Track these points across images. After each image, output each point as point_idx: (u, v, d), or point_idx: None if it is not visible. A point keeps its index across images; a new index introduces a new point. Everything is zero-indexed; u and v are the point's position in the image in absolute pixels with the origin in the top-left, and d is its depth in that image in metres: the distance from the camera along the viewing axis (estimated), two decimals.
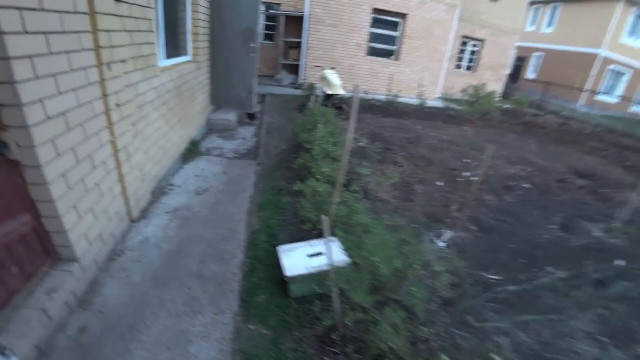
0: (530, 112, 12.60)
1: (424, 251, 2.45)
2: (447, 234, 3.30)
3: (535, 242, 3.67)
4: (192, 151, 4.59)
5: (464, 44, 14.39)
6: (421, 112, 9.97)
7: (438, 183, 4.55)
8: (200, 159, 4.53)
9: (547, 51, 22.01)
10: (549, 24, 22.20)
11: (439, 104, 12.07)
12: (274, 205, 3.61)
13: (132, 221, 2.98)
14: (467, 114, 10.57)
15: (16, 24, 1.53)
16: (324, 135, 4.17)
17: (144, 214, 3.14)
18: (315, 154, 3.82)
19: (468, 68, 15.02)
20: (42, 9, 1.68)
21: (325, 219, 1.91)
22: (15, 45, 1.54)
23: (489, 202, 4.39)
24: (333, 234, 2.60)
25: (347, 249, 2.41)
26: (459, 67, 14.80)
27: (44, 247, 2.09)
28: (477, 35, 14.09)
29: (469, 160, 5.79)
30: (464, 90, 12.38)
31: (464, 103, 11.71)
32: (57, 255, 2.17)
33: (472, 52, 14.78)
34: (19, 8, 1.53)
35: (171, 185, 3.73)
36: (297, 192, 3.33)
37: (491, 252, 3.34)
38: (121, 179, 2.72)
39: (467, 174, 3.17)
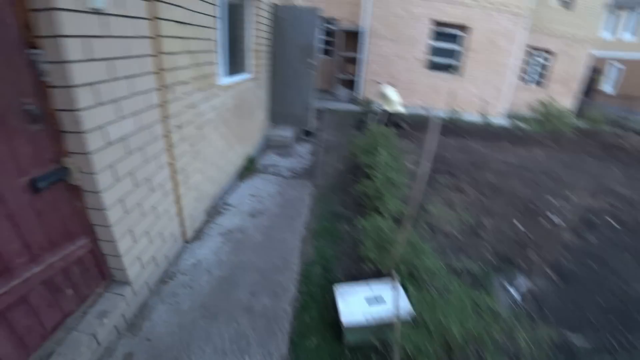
0: (608, 132, 11.32)
1: (501, 311, 2.10)
2: (522, 282, 2.87)
3: (629, 296, 3.09)
4: (249, 168, 4.56)
5: (531, 55, 13.33)
6: (485, 131, 9.32)
7: (515, 223, 4.03)
8: (256, 177, 4.49)
9: (629, 62, 19.90)
10: (631, 31, 20.09)
11: (503, 121, 11.24)
12: (330, 233, 3.41)
13: (186, 242, 2.94)
14: (536, 133, 9.69)
15: (82, 52, 1.50)
16: (386, 161, 3.91)
17: (198, 234, 3.10)
18: (377, 182, 3.56)
19: (536, 82, 13.88)
20: (110, 36, 1.65)
21: (395, 274, 1.67)
22: (80, 74, 1.51)
23: (568, 243, 3.84)
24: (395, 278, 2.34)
25: (413, 299, 2.14)
26: (525, 81, 13.73)
27: (99, 270, 2.08)
28: (547, 46, 12.96)
29: (548, 197, 5.14)
30: (531, 107, 11.44)
31: (532, 121, 10.76)
32: (111, 277, 2.15)
33: (541, 65, 13.64)
34: (85, 36, 1.50)
35: (226, 204, 3.68)
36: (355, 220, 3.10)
37: (575, 308, 2.84)
38: (178, 200, 2.69)
39: (556, 219, 2.73)
